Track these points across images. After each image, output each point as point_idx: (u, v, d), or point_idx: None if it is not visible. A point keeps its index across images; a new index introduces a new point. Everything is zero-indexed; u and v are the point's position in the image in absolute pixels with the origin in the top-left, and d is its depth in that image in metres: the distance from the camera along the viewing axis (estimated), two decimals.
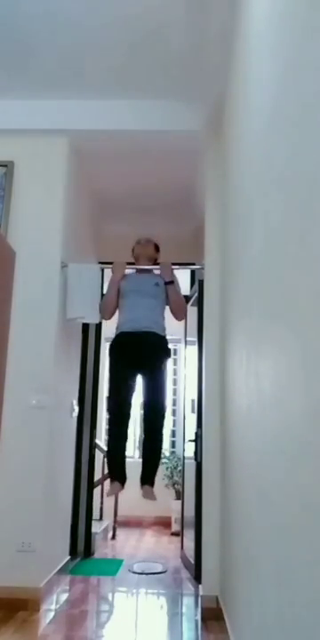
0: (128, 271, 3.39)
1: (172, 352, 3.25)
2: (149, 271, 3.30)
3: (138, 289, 3.16)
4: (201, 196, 3.94)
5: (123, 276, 3.27)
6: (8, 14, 2.82)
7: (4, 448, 3.06)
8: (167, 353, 3.14)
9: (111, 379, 3.08)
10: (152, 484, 3.00)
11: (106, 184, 4.29)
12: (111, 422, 3.01)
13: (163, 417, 3.05)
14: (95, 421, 4.54)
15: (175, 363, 6.56)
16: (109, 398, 3.04)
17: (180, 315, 3.25)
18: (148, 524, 5.83)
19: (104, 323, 3.96)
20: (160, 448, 3.03)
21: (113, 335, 3.32)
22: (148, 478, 3.01)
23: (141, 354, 3.02)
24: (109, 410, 3.02)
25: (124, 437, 2.98)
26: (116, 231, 4.92)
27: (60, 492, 3.45)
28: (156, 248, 3.41)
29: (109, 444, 3.00)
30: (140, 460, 3.09)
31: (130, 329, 3.06)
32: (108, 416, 3.05)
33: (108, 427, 3.06)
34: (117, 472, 2.97)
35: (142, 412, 3.04)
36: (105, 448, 5.31)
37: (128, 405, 2.99)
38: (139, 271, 3.34)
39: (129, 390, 3.01)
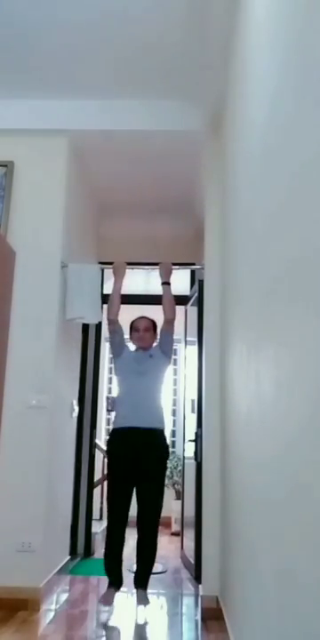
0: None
1: (168, 448, 3.19)
2: (148, 348, 3.25)
3: (135, 367, 3.11)
4: (201, 196, 3.94)
5: (123, 349, 3.21)
6: (8, 14, 2.82)
7: (4, 448, 3.06)
8: (166, 453, 3.08)
9: (109, 480, 3.03)
10: (145, 587, 3.00)
11: (106, 184, 4.29)
12: (109, 525, 3.00)
13: (158, 521, 3.03)
14: (95, 421, 4.54)
15: (175, 363, 6.56)
16: (108, 499, 3.02)
17: (170, 313, 3.21)
18: None
19: (104, 323, 3.95)
20: (154, 552, 3.02)
21: None
22: (141, 580, 3.00)
23: (139, 459, 2.95)
24: (108, 511, 3.01)
25: (122, 540, 2.98)
26: (116, 231, 4.92)
27: (59, 492, 3.45)
28: (154, 328, 3.31)
29: (108, 542, 3.00)
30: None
31: (127, 425, 2.99)
32: (107, 513, 3.03)
33: (106, 527, 3.05)
34: (114, 574, 2.97)
35: (137, 514, 3.00)
36: (105, 447, 5.33)
37: (126, 512, 2.98)
38: (137, 348, 3.26)
39: (127, 499, 2.98)
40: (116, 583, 2.98)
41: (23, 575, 2.92)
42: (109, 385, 6.66)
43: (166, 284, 3.28)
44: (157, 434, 3.05)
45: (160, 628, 2.83)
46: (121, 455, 3.00)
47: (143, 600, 2.96)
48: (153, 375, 3.14)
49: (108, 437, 3.21)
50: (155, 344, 3.30)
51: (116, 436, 3.06)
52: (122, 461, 2.99)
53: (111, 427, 3.21)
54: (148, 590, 3.03)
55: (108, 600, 2.92)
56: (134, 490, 3.02)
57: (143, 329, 3.25)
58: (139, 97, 3.46)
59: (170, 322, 3.21)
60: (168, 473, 5.64)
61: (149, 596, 3.02)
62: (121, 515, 2.97)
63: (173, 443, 6.36)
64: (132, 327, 3.29)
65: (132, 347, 3.30)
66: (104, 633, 2.69)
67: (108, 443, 3.11)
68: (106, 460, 5.20)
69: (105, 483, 5.11)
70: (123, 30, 2.90)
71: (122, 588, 3.02)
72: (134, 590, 3.02)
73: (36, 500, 3.03)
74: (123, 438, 3.01)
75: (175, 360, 6.52)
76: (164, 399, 3.23)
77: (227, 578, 2.62)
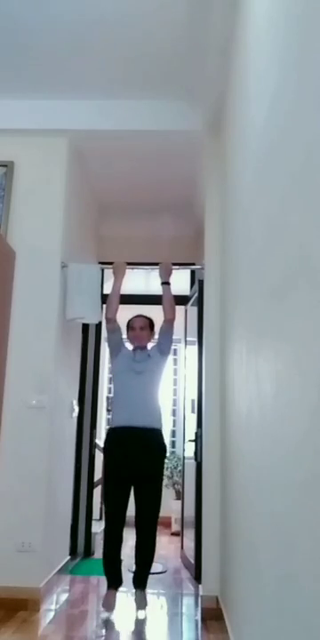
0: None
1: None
2: (145, 346, 3.24)
3: (132, 366, 3.10)
4: (201, 196, 3.94)
5: (120, 350, 3.20)
6: (8, 14, 2.82)
7: (4, 448, 3.06)
8: (163, 452, 3.07)
9: (106, 481, 3.02)
10: (144, 587, 3.00)
11: (106, 184, 4.29)
12: (107, 527, 3.00)
13: (156, 523, 3.03)
14: (95, 421, 4.54)
15: (175, 363, 6.56)
16: (105, 501, 3.02)
17: (170, 314, 3.20)
18: None
19: (104, 323, 3.95)
20: (153, 552, 3.02)
21: None
22: (140, 581, 3.00)
23: (137, 461, 2.94)
24: (106, 513, 3.02)
25: (120, 541, 2.98)
26: (116, 231, 4.92)
27: (59, 492, 3.45)
28: (151, 327, 3.31)
29: (105, 547, 2.99)
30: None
31: (126, 424, 2.98)
32: (104, 514, 3.04)
33: (104, 529, 3.05)
34: (113, 576, 2.97)
35: (135, 515, 3.01)
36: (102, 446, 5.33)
37: (124, 512, 2.97)
38: (135, 348, 3.26)
39: (124, 499, 2.98)
40: (115, 584, 2.98)
41: (23, 575, 2.92)
42: (109, 385, 6.65)
43: (166, 283, 3.28)
44: (155, 433, 3.04)
45: (160, 628, 2.83)
46: (118, 455, 2.99)
47: (141, 603, 2.95)
48: (151, 374, 3.13)
49: (105, 437, 3.21)
50: (152, 343, 3.30)
51: (113, 435, 3.05)
52: (119, 461, 2.99)
53: (108, 426, 3.21)
54: (148, 590, 3.03)
55: (110, 604, 2.91)
56: (132, 490, 3.02)
57: (139, 327, 3.24)
58: (138, 97, 3.46)
59: (170, 322, 3.20)
60: (168, 473, 5.66)
61: (149, 597, 3.01)
62: (119, 515, 2.97)
63: (173, 443, 6.36)
64: (129, 326, 3.29)
65: (129, 346, 3.30)
66: (104, 632, 2.69)
67: (106, 442, 3.10)
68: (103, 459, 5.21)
69: (103, 482, 5.13)
70: (123, 30, 2.90)
71: (122, 588, 3.02)
72: (135, 590, 3.02)
73: (36, 500, 3.03)
74: (120, 438, 3.00)
75: (175, 360, 6.52)
76: (161, 398, 3.22)
77: (227, 578, 2.62)
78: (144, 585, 3.01)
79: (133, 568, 3.08)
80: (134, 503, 3.00)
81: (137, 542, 3.02)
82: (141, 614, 2.91)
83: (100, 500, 5.07)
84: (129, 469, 2.97)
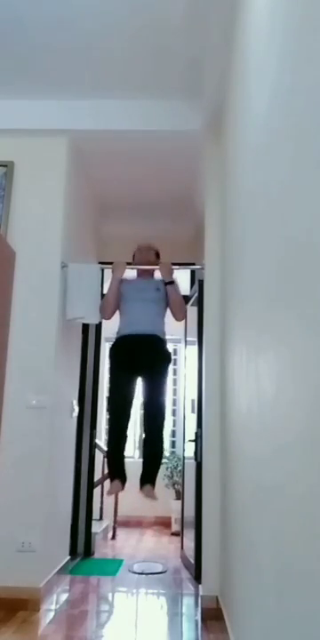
0: (129, 274, 3.38)
1: (172, 353, 3.24)
2: (150, 275, 3.29)
3: (139, 294, 3.16)
4: (201, 196, 3.94)
5: (123, 280, 3.26)
6: (8, 14, 2.82)
7: (4, 448, 3.06)
8: (167, 356, 3.15)
9: (111, 380, 3.08)
10: (153, 483, 2.99)
11: (106, 184, 4.29)
12: (111, 422, 3.01)
13: (163, 417, 3.05)
14: (95, 421, 4.54)
15: (175, 363, 6.55)
16: (110, 399, 3.04)
17: (179, 315, 3.25)
18: (148, 524, 5.83)
19: (104, 323, 3.95)
20: (161, 448, 3.04)
21: (113, 335, 3.33)
22: (148, 478, 3.00)
23: (141, 356, 3.03)
24: (110, 410, 3.03)
25: (124, 437, 2.99)
26: (116, 231, 4.92)
27: (59, 492, 3.45)
28: (157, 255, 3.40)
29: (109, 443, 3.01)
30: (141, 461, 3.08)
31: (130, 332, 3.08)
32: (108, 416, 3.04)
33: (108, 426, 3.06)
34: (117, 471, 2.97)
35: (142, 412, 3.04)
36: (105, 448, 5.31)
37: (128, 406, 2.99)
38: (139, 275, 3.32)
39: (129, 391, 3.02)
40: (120, 477, 2.97)
41: (23, 575, 2.92)
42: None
43: (170, 283, 3.28)
44: (160, 339, 3.12)
45: (160, 628, 2.84)
46: (124, 353, 3.07)
47: (151, 495, 2.94)
48: (158, 305, 3.20)
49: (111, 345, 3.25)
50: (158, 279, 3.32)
51: (118, 341, 3.13)
52: (124, 357, 3.06)
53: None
54: (149, 590, 3.03)
55: (113, 490, 2.93)
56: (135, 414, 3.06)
57: (146, 248, 3.31)
58: (138, 97, 3.46)
59: (180, 321, 3.30)
60: (168, 473, 5.66)
61: (149, 595, 3.01)
62: (123, 409, 2.99)
63: (173, 443, 6.36)
64: (135, 253, 3.38)
65: (130, 283, 3.31)
66: (105, 632, 2.69)
67: (112, 347, 3.18)
68: (106, 459, 5.20)
69: (105, 483, 5.13)
70: (122, 30, 2.90)
71: (122, 587, 3.02)
72: (135, 590, 3.02)
73: (36, 500, 3.03)
74: (126, 341, 3.08)
75: (175, 360, 6.52)
76: (166, 326, 3.28)
77: (227, 578, 2.62)
78: (153, 481, 3.00)
79: (135, 568, 3.08)
80: (142, 396, 3.05)
81: (145, 440, 3.04)
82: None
83: (101, 500, 5.07)
84: (135, 364, 3.03)
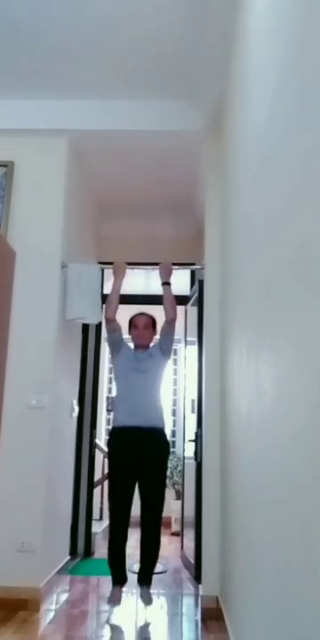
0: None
1: (170, 445, 3.21)
2: (147, 347, 3.24)
3: (134, 367, 3.10)
4: (201, 196, 3.94)
5: (120, 349, 3.19)
6: (8, 14, 2.82)
7: (4, 448, 3.06)
8: (167, 449, 3.10)
9: (111, 477, 3.02)
10: (149, 583, 3.00)
11: (106, 184, 4.29)
12: (112, 522, 2.99)
13: (160, 516, 3.04)
14: (95, 421, 4.54)
15: (175, 363, 6.56)
16: (110, 497, 3.00)
17: (172, 313, 3.20)
18: None
19: (104, 323, 3.95)
20: (158, 549, 3.02)
21: None
22: (145, 577, 3.00)
23: (142, 455, 2.96)
24: (110, 510, 3.00)
25: (125, 536, 2.98)
26: (116, 231, 4.92)
27: (59, 492, 3.45)
28: (153, 325, 3.30)
29: (111, 539, 2.99)
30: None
31: (130, 425, 2.99)
32: (109, 511, 3.03)
33: (109, 525, 3.04)
34: (119, 570, 2.96)
35: (141, 508, 3.01)
36: (105, 448, 5.32)
37: (128, 506, 2.97)
38: (136, 347, 3.25)
39: (129, 492, 2.98)
40: (121, 581, 2.97)
41: (23, 575, 2.92)
42: (109, 385, 6.66)
43: (166, 284, 3.27)
44: (158, 432, 3.05)
45: (160, 628, 2.83)
46: (122, 453, 3.00)
47: (147, 599, 2.95)
48: (153, 374, 3.13)
49: (107, 437, 3.20)
50: (154, 343, 3.30)
51: (116, 435, 3.06)
52: (123, 459, 2.99)
53: (111, 425, 3.21)
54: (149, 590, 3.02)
55: (116, 598, 2.91)
56: (136, 488, 3.02)
57: (143, 326, 3.23)
58: (139, 97, 3.46)
59: (171, 321, 3.20)
60: (168, 473, 5.65)
61: (152, 596, 3.01)
62: (123, 513, 2.97)
63: (173, 443, 6.36)
64: (131, 324, 3.28)
65: (131, 345, 3.29)
66: (105, 632, 2.69)
67: (109, 442, 3.11)
68: (106, 460, 5.20)
69: (105, 483, 5.12)
70: (123, 30, 2.90)
71: (123, 587, 3.02)
72: (134, 590, 3.02)
73: (36, 500, 3.03)
74: (123, 437, 3.01)
75: (175, 360, 6.52)
76: (163, 398, 3.22)
77: (227, 578, 2.62)
78: (149, 582, 3.01)
79: (134, 568, 3.08)
80: (139, 500, 3.01)
81: (142, 540, 3.02)
82: (144, 616, 2.90)
83: (101, 500, 5.08)
84: (133, 466, 2.97)
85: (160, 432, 3.07)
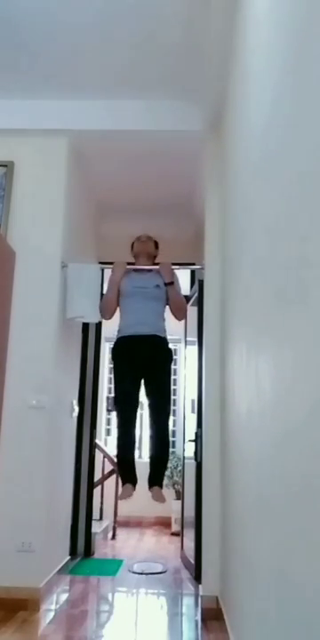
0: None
1: (173, 352, 3.25)
2: (150, 270, 3.30)
3: (139, 290, 3.16)
4: (201, 196, 3.94)
5: (123, 275, 3.27)
6: (8, 14, 2.82)
7: (4, 448, 3.06)
8: (169, 354, 3.18)
9: (116, 382, 3.10)
10: (161, 485, 3.02)
11: (106, 184, 4.29)
12: (120, 426, 3.04)
13: (168, 417, 3.09)
14: (95, 421, 4.54)
15: (175, 363, 6.55)
16: (116, 402, 3.05)
17: (180, 314, 3.25)
18: (148, 524, 5.82)
19: (104, 323, 3.95)
20: (167, 448, 3.07)
21: (113, 335, 3.33)
22: (156, 479, 3.02)
23: (144, 357, 3.05)
24: (117, 414, 3.05)
25: (133, 439, 3.02)
26: (116, 231, 4.91)
27: (59, 492, 3.45)
28: (156, 245, 3.42)
29: (119, 447, 3.02)
30: (145, 461, 3.08)
31: (132, 333, 3.09)
32: (116, 418, 3.06)
33: (117, 430, 3.08)
34: (128, 474, 2.99)
35: (148, 413, 3.05)
36: (104, 447, 5.31)
37: (135, 409, 3.02)
38: (139, 270, 3.33)
39: (134, 394, 3.04)
40: (131, 481, 2.99)
41: (23, 575, 2.92)
42: (109, 385, 6.66)
43: (170, 283, 3.27)
44: (161, 339, 3.14)
45: (160, 628, 2.84)
46: (126, 357, 3.08)
47: (159, 497, 2.96)
48: (158, 302, 3.21)
49: (112, 346, 3.28)
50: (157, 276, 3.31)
51: (120, 342, 3.15)
52: (127, 362, 3.07)
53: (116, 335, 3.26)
54: (149, 590, 3.03)
55: (125, 495, 2.94)
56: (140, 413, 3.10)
57: (146, 237, 3.35)
58: (139, 97, 3.46)
59: (180, 320, 3.31)
60: (168, 473, 5.66)
61: (149, 595, 3.01)
62: (131, 415, 3.01)
63: (173, 443, 6.36)
64: (133, 244, 3.39)
65: (129, 278, 3.31)
66: (105, 632, 2.69)
67: (113, 348, 3.20)
68: (106, 459, 5.19)
69: (105, 483, 5.13)
70: (123, 30, 2.90)
71: (122, 587, 3.02)
72: (135, 590, 3.02)
73: (36, 500, 3.03)
74: (127, 343, 3.10)
75: (175, 360, 6.52)
76: (166, 325, 3.29)
77: (227, 578, 2.62)
78: (161, 482, 3.02)
79: (135, 568, 3.08)
80: (146, 397, 3.06)
81: (151, 440, 3.05)
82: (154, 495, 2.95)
83: (101, 500, 5.08)
84: (138, 368, 3.05)
85: (163, 339, 3.15)
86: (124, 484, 3.00)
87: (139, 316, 3.12)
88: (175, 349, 6.28)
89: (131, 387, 3.01)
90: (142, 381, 3.08)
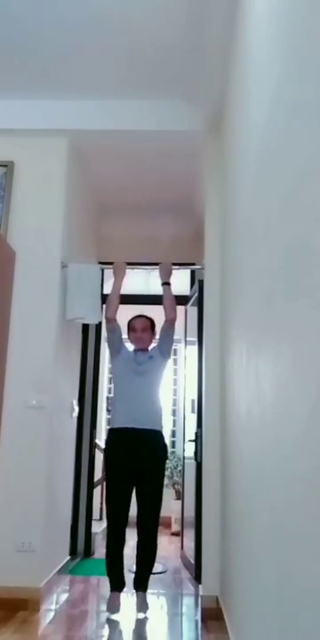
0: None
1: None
2: (146, 350, 3.22)
3: (133, 369, 3.08)
4: (201, 196, 3.94)
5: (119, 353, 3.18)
6: (8, 14, 2.82)
7: (4, 448, 3.06)
8: (165, 452, 3.08)
9: (108, 481, 3.01)
10: (145, 588, 2.98)
11: (106, 184, 4.29)
12: (109, 526, 2.98)
13: (157, 523, 3.02)
14: (95, 421, 4.54)
15: (175, 363, 6.56)
16: (108, 502, 2.99)
17: (172, 313, 3.20)
18: None
19: (104, 323, 3.95)
20: (154, 553, 3.00)
21: None
22: (141, 582, 2.98)
23: (140, 458, 2.94)
24: (107, 514, 2.99)
25: (123, 540, 2.96)
26: (116, 231, 4.92)
27: (59, 492, 3.45)
28: (152, 325, 3.29)
29: (108, 548, 2.97)
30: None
31: (128, 426, 2.97)
32: (106, 519, 3.02)
33: (106, 530, 3.03)
34: (116, 578, 2.94)
35: (137, 514, 2.98)
36: (104, 446, 5.31)
37: (126, 511, 2.95)
38: (135, 350, 3.23)
39: (127, 497, 2.96)
40: (119, 586, 2.96)
41: (23, 575, 2.92)
42: (109, 385, 6.66)
43: (166, 284, 3.27)
44: (156, 434, 3.03)
45: (160, 628, 2.83)
46: (120, 455, 2.98)
47: (142, 606, 2.93)
48: (152, 376, 3.12)
49: (105, 438, 3.19)
50: (153, 344, 3.29)
51: (114, 436, 3.04)
52: (121, 462, 2.98)
53: (109, 426, 3.20)
54: (149, 590, 3.02)
55: (115, 606, 2.89)
56: (133, 491, 3.01)
57: (141, 329, 3.22)
58: (139, 97, 3.46)
59: (171, 322, 3.19)
60: (168, 473, 5.66)
61: (149, 597, 3.01)
62: (121, 516, 2.95)
63: (173, 443, 6.36)
64: (130, 327, 3.26)
65: (130, 346, 3.28)
66: (108, 630, 2.69)
67: (107, 443, 3.10)
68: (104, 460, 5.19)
69: (105, 483, 5.13)
70: (123, 30, 2.90)
71: (122, 593, 3.02)
72: (134, 591, 3.02)
73: (36, 500, 3.03)
74: (121, 439, 2.99)
75: (175, 360, 6.52)
76: (162, 399, 3.21)
77: (227, 578, 2.62)
78: (145, 587, 2.99)
79: (133, 568, 3.08)
80: (136, 504, 3.00)
81: (138, 543, 3.01)
82: (141, 615, 2.90)
83: (100, 500, 5.08)
84: (131, 469, 2.96)
85: (158, 434, 3.05)
86: (111, 590, 2.93)
87: (134, 403, 3.01)
88: (175, 349, 6.28)
89: (124, 490, 2.94)
90: (135, 481, 2.98)
